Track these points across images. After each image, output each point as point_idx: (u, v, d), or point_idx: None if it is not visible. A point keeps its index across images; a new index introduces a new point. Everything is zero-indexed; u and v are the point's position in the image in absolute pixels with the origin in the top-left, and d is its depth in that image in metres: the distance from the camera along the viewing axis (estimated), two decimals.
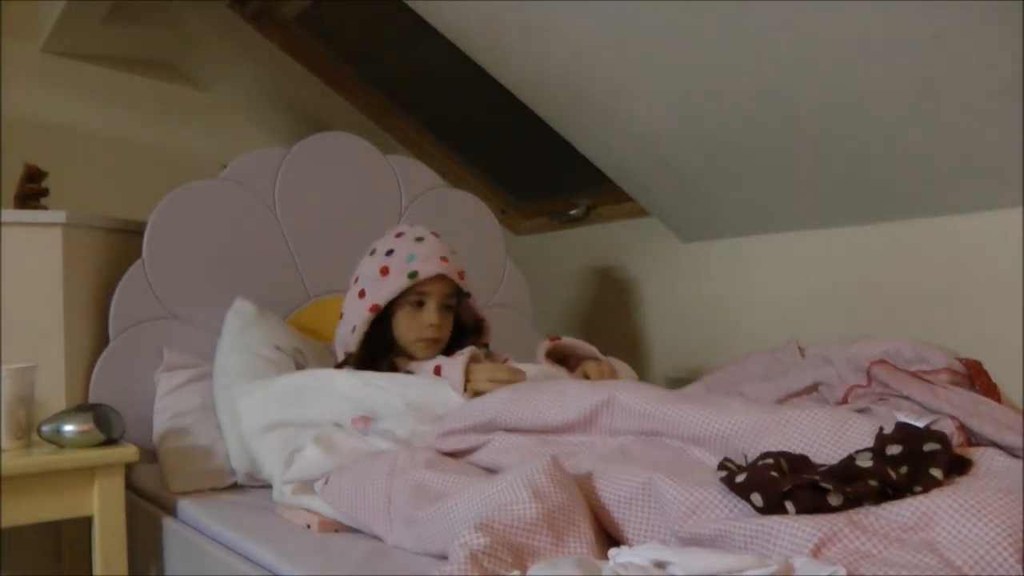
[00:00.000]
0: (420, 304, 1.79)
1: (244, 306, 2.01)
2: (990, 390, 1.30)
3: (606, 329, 2.54)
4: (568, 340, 1.85)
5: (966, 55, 1.36)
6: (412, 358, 1.81)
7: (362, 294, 1.81)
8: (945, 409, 1.20)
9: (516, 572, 0.93)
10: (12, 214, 1.89)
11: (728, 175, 1.95)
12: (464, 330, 1.92)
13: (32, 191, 2.09)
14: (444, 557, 1.14)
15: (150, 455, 1.86)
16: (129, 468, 1.79)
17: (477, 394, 1.57)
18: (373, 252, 1.86)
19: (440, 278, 1.79)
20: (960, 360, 1.34)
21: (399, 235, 1.85)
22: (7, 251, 1.84)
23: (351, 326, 1.80)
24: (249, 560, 1.40)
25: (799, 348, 1.64)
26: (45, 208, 2.07)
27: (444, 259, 1.80)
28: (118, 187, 2.79)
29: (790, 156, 1.78)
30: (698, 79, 1.71)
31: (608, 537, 1.12)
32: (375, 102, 2.82)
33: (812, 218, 1.93)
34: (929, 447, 1.00)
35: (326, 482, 1.45)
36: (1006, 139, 1.45)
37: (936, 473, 0.96)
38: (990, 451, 1.08)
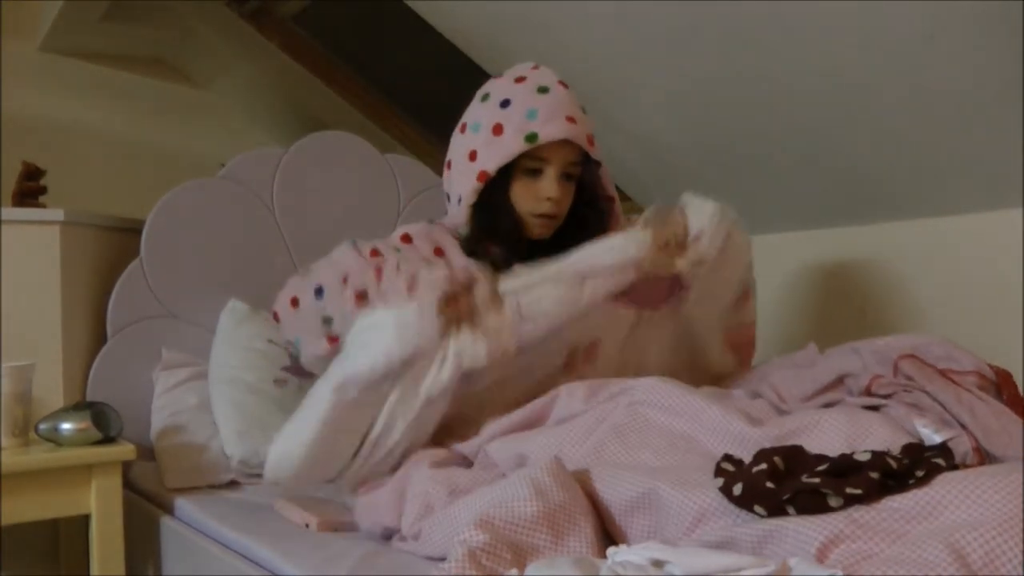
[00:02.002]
0: (536, 172, 1.48)
1: (237, 306, 2.02)
2: (1015, 402, 1.28)
3: None
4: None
5: (965, 55, 1.36)
6: (527, 235, 1.53)
7: (473, 155, 1.49)
8: (965, 419, 1.17)
9: (513, 571, 0.93)
10: (10, 212, 1.88)
11: (727, 176, 1.95)
12: (589, 204, 1.57)
13: (30, 189, 2.09)
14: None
15: (148, 453, 1.85)
16: (126, 466, 1.78)
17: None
18: (486, 97, 1.53)
19: (564, 143, 1.46)
20: (991, 367, 1.32)
21: (520, 80, 1.51)
22: (5, 249, 1.84)
23: (457, 195, 1.52)
24: (247, 559, 1.40)
25: (818, 352, 1.61)
26: (43, 206, 2.07)
27: (571, 119, 1.46)
28: (116, 185, 2.79)
29: (790, 156, 1.77)
30: (698, 80, 1.71)
31: (611, 540, 1.11)
32: (374, 102, 2.82)
33: (812, 218, 1.93)
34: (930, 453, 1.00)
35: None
36: (1006, 139, 1.45)
37: (938, 460, 0.96)
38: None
